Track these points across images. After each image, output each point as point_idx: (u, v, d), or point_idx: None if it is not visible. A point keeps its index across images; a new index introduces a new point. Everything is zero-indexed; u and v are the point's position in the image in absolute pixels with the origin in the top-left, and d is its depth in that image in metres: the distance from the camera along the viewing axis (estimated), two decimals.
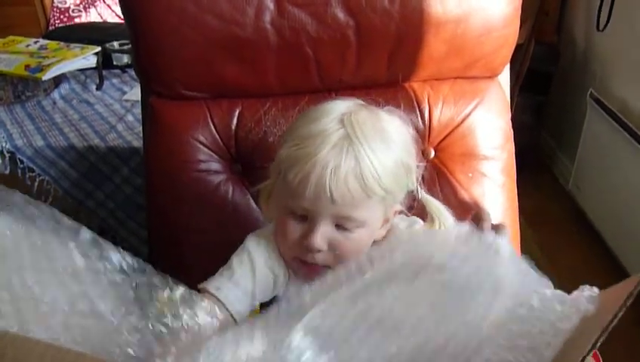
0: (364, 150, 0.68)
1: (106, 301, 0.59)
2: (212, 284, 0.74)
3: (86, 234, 0.64)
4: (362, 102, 0.76)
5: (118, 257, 0.63)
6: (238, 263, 0.77)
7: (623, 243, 1.84)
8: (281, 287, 0.78)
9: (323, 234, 0.70)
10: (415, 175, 0.77)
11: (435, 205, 0.82)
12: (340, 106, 0.73)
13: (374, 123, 0.72)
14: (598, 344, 0.41)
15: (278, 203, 0.75)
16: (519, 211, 1.08)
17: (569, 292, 0.54)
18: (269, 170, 0.78)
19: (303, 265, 0.74)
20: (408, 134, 0.76)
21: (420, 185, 0.81)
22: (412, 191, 0.79)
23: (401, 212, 0.80)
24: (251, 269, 0.76)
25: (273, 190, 0.77)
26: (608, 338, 0.42)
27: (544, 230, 2.02)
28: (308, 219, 0.71)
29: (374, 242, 0.78)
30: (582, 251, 1.95)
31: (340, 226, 0.71)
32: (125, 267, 0.63)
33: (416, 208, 0.84)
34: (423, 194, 0.83)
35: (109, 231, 1.51)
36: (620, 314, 0.41)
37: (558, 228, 2.15)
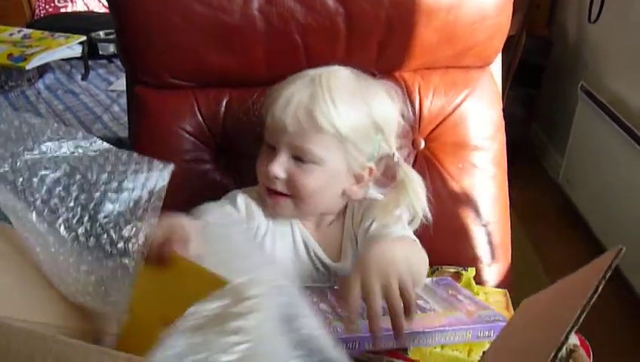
0: (322, 91, 0.77)
1: None
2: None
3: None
4: (357, 70, 0.84)
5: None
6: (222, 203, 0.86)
7: (612, 235, 1.84)
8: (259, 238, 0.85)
9: (280, 163, 0.79)
10: (393, 140, 0.85)
11: (406, 171, 0.87)
12: (333, 66, 0.83)
13: (350, 80, 0.81)
14: (581, 319, 0.40)
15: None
16: (510, 204, 1.07)
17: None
18: None
19: (269, 194, 0.82)
20: (390, 106, 0.84)
21: (397, 151, 0.86)
22: (389, 156, 0.85)
23: (376, 177, 0.85)
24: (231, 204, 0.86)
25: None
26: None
27: (534, 223, 2.02)
28: (273, 152, 0.80)
29: (352, 201, 0.86)
30: (571, 244, 1.95)
31: (297, 158, 0.79)
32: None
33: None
34: (401, 161, 0.87)
35: None
36: (600, 288, 0.41)
37: (549, 221, 2.14)
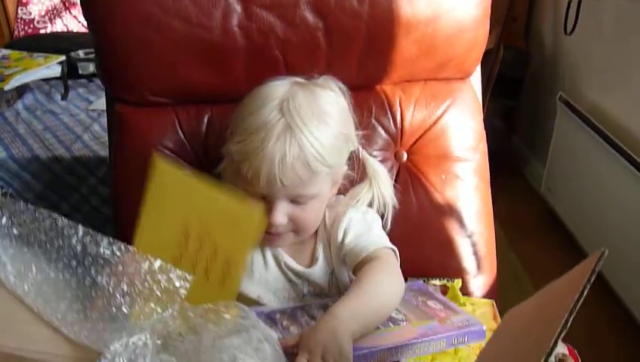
0: (306, 136, 0.76)
1: None
2: None
3: None
4: (297, 80, 0.83)
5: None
6: None
7: (595, 242, 1.85)
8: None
9: (281, 211, 0.79)
10: (355, 138, 0.86)
11: (372, 166, 0.91)
12: (277, 91, 0.80)
13: (310, 103, 0.79)
14: (568, 324, 0.40)
15: (234, 184, 0.82)
16: (493, 215, 1.07)
17: None
18: (222, 151, 0.86)
19: (267, 233, 0.81)
20: (343, 104, 0.84)
21: (360, 145, 0.89)
22: (353, 152, 0.88)
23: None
24: None
25: (227, 169, 0.86)
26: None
27: (518, 233, 2.03)
28: (266, 200, 0.79)
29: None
30: (555, 252, 1.96)
31: (294, 201, 0.80)
32: None
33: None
34: (364, 154, 0.91)
35: None
36: (585, 292, 0.41)
37: (532, 230, 2.16)
